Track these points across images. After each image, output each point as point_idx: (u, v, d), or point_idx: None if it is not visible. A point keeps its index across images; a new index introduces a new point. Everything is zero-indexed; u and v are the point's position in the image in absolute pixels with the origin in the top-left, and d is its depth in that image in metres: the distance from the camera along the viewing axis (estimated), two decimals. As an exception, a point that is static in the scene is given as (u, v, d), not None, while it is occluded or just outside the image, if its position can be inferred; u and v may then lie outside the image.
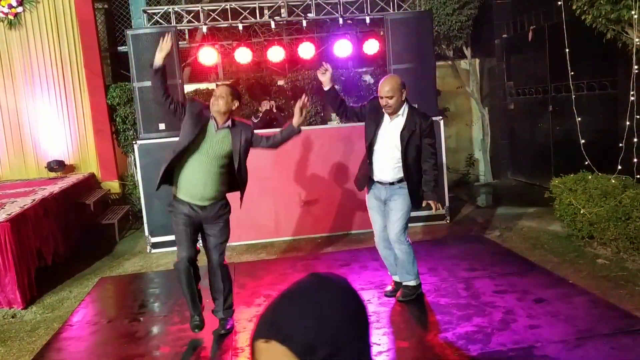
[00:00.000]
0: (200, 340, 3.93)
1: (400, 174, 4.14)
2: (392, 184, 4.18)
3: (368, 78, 9.13)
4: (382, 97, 4.02)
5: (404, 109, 4.10)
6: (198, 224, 3.80)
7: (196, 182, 3.72)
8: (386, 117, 4.13)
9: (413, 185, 4.14)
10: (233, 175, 3.85)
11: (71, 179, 7.17)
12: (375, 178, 4.25)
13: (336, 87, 4.38)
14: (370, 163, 4.22)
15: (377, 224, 4.40)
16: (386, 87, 3.99)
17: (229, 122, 3.83)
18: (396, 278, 4.50)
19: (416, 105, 4.38)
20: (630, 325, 3.65)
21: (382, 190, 4.25)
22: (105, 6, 8.63)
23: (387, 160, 4.14)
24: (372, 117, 4.18)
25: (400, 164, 4.11)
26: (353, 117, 4.37)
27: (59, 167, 7.65)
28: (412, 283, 4.35)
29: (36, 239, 5.29)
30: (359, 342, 1.12)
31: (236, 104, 3.81)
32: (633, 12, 4.83)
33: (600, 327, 3.65)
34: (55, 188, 6.35)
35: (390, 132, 4.11)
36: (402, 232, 4.21)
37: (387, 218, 4.26)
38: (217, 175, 3.77)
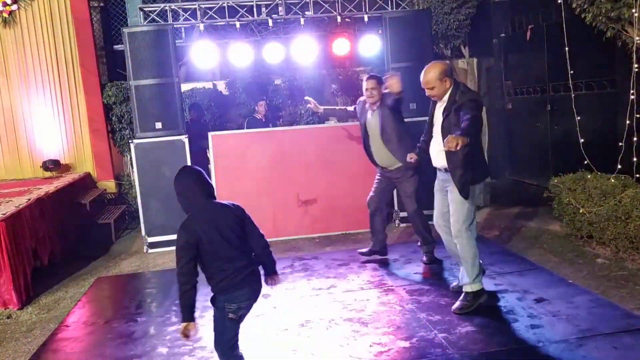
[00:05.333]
0: (197, 340, 3.89)
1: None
2: (447, 170, 4.07)
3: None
4: (423, 89, 4.07)
5: (449, 93, 4.01)
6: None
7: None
8: (438, 103, 4.13)
9: (456, 172, 3.96)
10: None
11: (67, 179, 7.12)
12: (433, 164, 4.23)
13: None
14: (428, 149, 4.25)
15: (436, 206, 4.33)
16: (424, 79, 4.03)
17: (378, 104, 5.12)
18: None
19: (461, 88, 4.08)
20: (632, 324, 3.63)
21: (441, 175, 4.22)
22: (101, 4, 8.57)
23: (437, 145, 4.07)
24: (431, 105, 4.25)
25: None
26: None
27: (54, 166, 7.59)
28: (469, 289, 4.09)
29: (31, 239, 5.24)
30: (195, 187, 2.85)
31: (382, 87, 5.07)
32: (633, 10, 4.81)
33: (601, 327, 3.63)
34: (51, 187, 6.30)
35: (437, 116, 4.11)
36: (462, 224, 4.03)
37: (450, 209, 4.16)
38: None
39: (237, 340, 2.97)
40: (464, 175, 3.95)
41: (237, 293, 2.86)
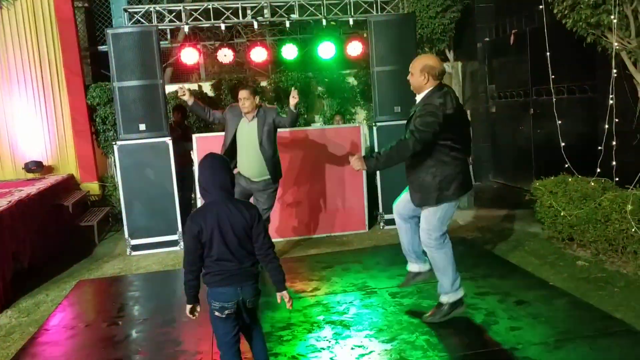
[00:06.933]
0: (180, 344, 3.87)
1: None
2: None
3: (351, 80, 9.16)
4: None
5: (425, 93, 3.73)
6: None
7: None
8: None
9: (415, 180, 3.78)
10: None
11: (49, 180, 7.05)
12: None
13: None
14: None
15: (403, 195, 4.00)
16: (411, 63, 3.79)
17: (255, 113, 5.15)
18: (410, 267, 4.13)
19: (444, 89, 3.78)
20: (610, 326, 3.68)
21: None
22: (86, 5, 8.52)
23: None
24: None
25: None
26: None
27: (37, 168, 7.52)
28: (444, 299, 3.87)
29: (12, 242, 5.18)
30: (210, 178, 2.78)
31: (257, 99, 5.16)
32: (612, 17, 4.90)
33: (580, 329, 3.67)
34: (33, 189, 6.23)
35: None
36: (432, 233, 3.77)
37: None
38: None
39: (234, 337, 2.90)
40: (426, 198, 3.77)
41: (219, 290, 2.81)
